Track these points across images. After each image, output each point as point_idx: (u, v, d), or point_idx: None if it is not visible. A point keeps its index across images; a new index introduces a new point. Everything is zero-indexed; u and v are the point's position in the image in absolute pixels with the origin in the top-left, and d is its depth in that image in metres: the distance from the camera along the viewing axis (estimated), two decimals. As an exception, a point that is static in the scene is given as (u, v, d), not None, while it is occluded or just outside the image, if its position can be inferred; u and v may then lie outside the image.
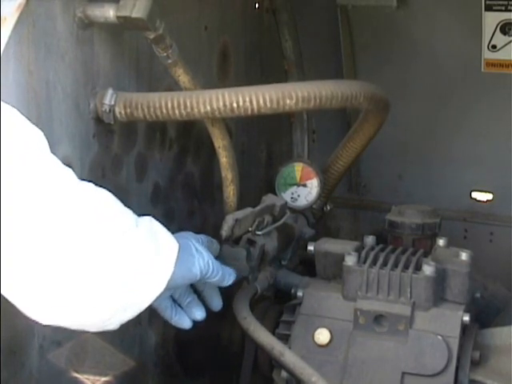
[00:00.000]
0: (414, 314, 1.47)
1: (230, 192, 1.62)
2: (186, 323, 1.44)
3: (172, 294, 1.42)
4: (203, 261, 1.36)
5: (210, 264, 1.37)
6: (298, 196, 1.92)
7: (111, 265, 1.13)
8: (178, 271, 1.26)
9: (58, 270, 1.08)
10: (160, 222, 1.30)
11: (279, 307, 1.63)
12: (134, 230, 1.19)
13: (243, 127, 1.89)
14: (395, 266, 1.52)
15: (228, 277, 1.43)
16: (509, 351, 1.49)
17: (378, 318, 1.48)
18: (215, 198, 1.77)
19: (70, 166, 1.16)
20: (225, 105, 1.38)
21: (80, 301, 1.12)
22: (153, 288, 1.22)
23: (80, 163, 1.36)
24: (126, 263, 1.15)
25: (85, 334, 1.40)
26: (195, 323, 1.46)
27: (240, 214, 1.45)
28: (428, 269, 1.47)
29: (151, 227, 1.24)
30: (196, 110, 1.39)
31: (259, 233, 1.52)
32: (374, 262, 1.53)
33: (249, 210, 1.48)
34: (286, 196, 1.91)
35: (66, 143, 1.31)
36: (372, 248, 1.60)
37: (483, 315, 1.61)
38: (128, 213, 1.21)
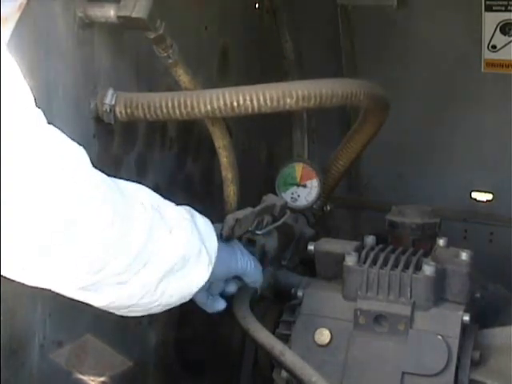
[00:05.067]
0: (414, 314, 1.47)
1: (230, 192, 1.63)
2: (219, 305, 1.44)
3: None
4: (243, 260, 1.40)
5: (249, 264, 1.42)
6: (298, 196, 1.92)
7: (162, 259, 1.16)
8: (219, 268, 1.30)
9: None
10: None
11: (279, 307, 1.63)
12: (181, 228, 1.20)
13: (243, 127, 1.89)
14: (395, 266, 1.52)
15: (260, 279, 1.48)
16: (509, 351, 1.49)
17: (378, 318, 1.48)
18: (215, 197, 1.77)
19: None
20: (225, 104, 1.38)
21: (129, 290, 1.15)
22: (196, 280, 1.24)
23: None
24: (173, 259, 1.18)
25: (85, 334, 1.41)
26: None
27: (240, 213, 1.45)
28: (428, 269, 1.47)
29: (194, 224, 1.25)
30: (196, 109, 1.39)
31: (259, 233, 1.52)
32: (374, 262, 1.53)
33: (249, 209, 1.48)
34: (286, 196, 1.91)
35: (66, 143, 1.31)
36: (372, 248, 1.60)
37: (483, 315, 1.61)
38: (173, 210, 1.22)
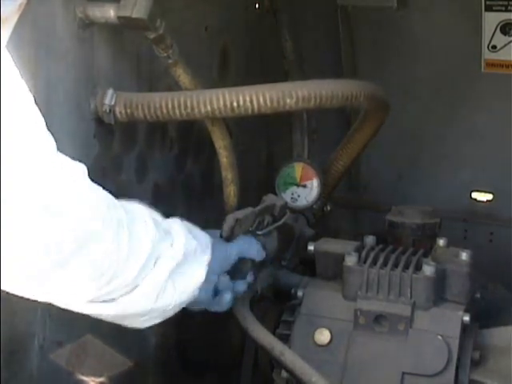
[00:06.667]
0: (414, 314, 1.47)
1: (230, 192, 1.63)
2: (226, 298, 1.42)
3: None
4: (238, 244, 1.42)
5: (243, 244, 1.43)
6: (298, 196, 1.92)
7: (166, 261, 1.20)
8: (218, 260, 1.33)
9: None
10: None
11: (279, 307, 1.63)
12: (178, 232, 1.24)
13: (243, 127, 1.89)
14: (395, 266, 1.52)
15: (259, 252, 1.48)
16: (509, 351, 1.49)
17: (378, 318, 1.48)
18: (215, 198, 1.77)
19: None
20: (225, 104, 1.38)
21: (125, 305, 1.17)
22: (199, 272, 1.27)
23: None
24: (176, 258, 1.22)
25: (85, 334, 1.41)
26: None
27: (240, 213, 1.45)
28: (428, 269, 1.47)
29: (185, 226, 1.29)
30: (196, 109, 1.39)
31: (259, 233, 1.52)
32: (374, 262, 1.53)
33: (249, 209, 1.48)
34: (286, 196, 1.91)
35: (66, 143, 1.30)
36: (372, 248, 1.60)
37: (483, 315, 1.61)
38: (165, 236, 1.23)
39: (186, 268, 1.24)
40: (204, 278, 1.27)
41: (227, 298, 1.41)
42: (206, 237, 1.32)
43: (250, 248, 1.45)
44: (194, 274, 1.26)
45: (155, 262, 1.18)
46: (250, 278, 1.48)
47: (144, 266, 1.15)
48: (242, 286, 1.45)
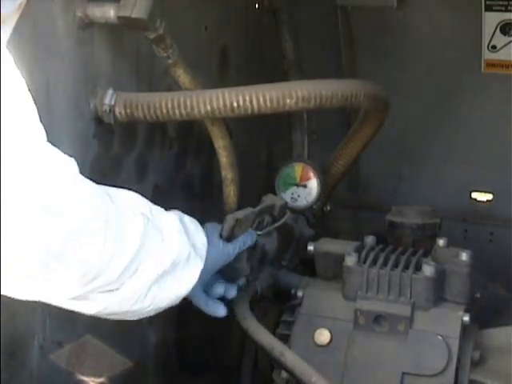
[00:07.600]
0: (413, 314, 1.47)
1: (230, 192, 1.63)
2: (220, 311, 1.41)
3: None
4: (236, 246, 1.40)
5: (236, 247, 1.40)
6: (298, 196, 1.92)
7: (153, 266, 1.17)
8: (212, 265, 1.32)
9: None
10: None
11: (279, 307, 1.63)
12: (172, 235, 1.21)
13: (243, 127, 1.89)
14: (395, 266, 1.52)
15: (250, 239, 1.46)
16: (509, 351, 1.49)
17: (378, 318, 1.48)
18: (215, 197, 1.77)
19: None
20: (225, 104, 1.38)
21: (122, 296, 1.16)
22: (186, 283, 1.24)
23: (80, 164, 1.35)
24: (163, 264, 1.19)
25: (85, 334, 1.41)
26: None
27: (240, 214, 1.45)
28: (428, 269, 1.47)
29: (184, 228, 1.26)
30: (196, 109, 1.39)
31: (259, 233, 1.51)
32: (374, 262, 1.53)
33: (249, 210, 1.48)
34: (286, 196, 1.91)
35: (66, 143, 1.31)
36: (372, 248, 1.60)
37: (483, 315, 1.61)
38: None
39: (175, 274, 1.22)
40: (191, 288, 1.25)
41: (220, 308, 1.40)
42: (203, 241, 1.29)
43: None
44: (182, 283, 1.24)
45: (139, 264, 1.14)
46: (241, 281, 1.48)
47: (128, 267, 1.12)
48: (233, 291, 1.43)
